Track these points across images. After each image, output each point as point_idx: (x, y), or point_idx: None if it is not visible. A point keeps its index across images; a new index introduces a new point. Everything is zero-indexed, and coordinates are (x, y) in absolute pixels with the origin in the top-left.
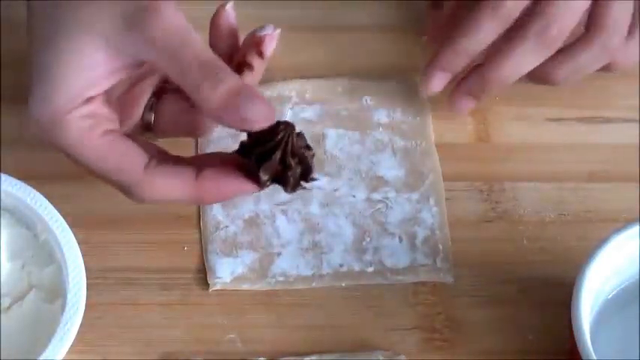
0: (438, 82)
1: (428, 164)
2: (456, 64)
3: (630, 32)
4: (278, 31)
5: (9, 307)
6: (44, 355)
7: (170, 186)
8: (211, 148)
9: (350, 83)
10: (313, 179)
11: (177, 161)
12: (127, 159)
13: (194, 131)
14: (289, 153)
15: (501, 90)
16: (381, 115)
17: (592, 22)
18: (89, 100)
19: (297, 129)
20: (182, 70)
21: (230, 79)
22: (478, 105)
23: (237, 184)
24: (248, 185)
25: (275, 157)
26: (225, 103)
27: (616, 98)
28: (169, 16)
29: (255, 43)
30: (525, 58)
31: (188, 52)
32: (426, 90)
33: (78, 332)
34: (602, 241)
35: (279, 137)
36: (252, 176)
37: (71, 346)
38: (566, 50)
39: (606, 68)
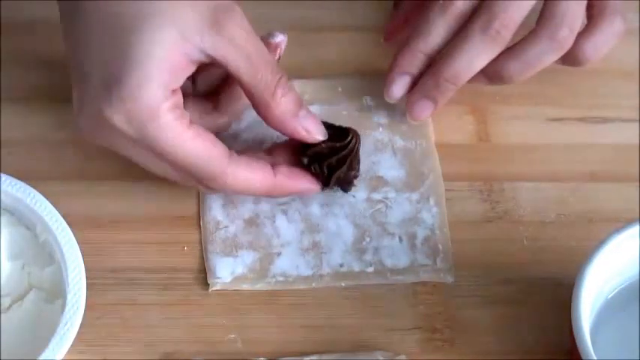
0: (399, 87)
1: (428, 164)
2: (414, 66)
3: (594, 24)
4: (286, 35)
5: (9, 307)
6: (44, 355)
7: (252, 176)
8: None
9: (350, 83)
10: (357, 177)
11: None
12: (215, 149)
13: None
14: (355, 159)
15: (456, 89)
16: (381, 115)
17: (541, 15)
18: (174, 91)
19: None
20: (256, 73)
21: (293, 89)
22: (435, 111)
23: (308, 182)
24: (315, 185)
25: (346, 165)
26: (295, 111)
27: (616, 98)
28: (244, 18)
29: (273, 49)
30: (474, 54)
31: (262, 56)
32: (388, 96)
33: (78, 332)
34: (602, 241)
35: (351, 145)
36: (320, 179)
37: (71, 346)
38: (515, 45)
39: (569, 62)
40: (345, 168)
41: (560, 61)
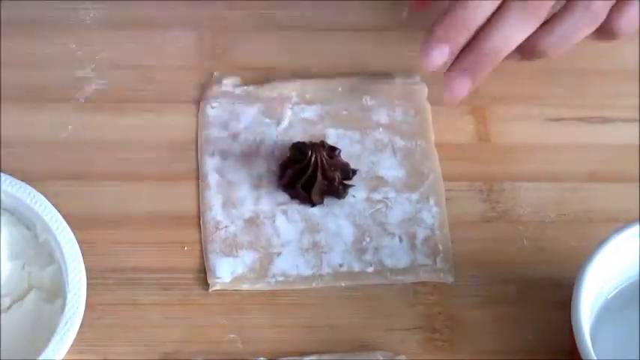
0: (436, 56)
1: (428, 164)
2: (454, 36)
3: None
4: None
5: (9, 307)
6: (44, 355)
7: None
8: (211, 148)
9: (350, 83)
10: (354, 172)
11: None
12: None
13: None
14: (327, 168)
15: (494, 65)
16: (381, 115)
17: None
18: None
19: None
20: None
21: None
22: (473, 88)
23: None
24: None
25: (319, 180)
26: None
27: (616, 98)
28: None
29: None
30: (512, 28)
31: None
32: (425, 64)
33: (78, 332)
34: (602, 241)
35: (313, 160)
36: (304, 200)
37: (71, 346)
38: (549, 19)
39: (602, 36)
40: (319, 180)
41: (594, 35)
